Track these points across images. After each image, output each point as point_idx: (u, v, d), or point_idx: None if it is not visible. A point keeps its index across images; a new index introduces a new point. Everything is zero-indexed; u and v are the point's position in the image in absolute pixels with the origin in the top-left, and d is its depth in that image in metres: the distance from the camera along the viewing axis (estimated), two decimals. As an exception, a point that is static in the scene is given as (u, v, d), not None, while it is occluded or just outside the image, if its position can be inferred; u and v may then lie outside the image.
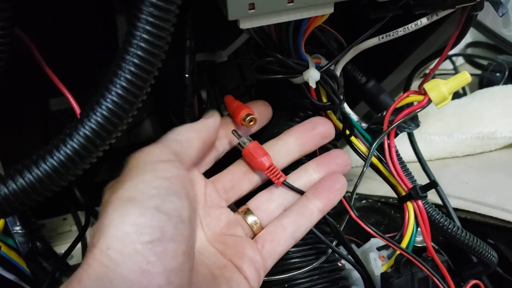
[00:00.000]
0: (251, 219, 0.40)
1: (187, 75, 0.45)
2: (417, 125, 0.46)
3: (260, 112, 0.43)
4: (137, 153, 0.33)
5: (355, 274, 0.47)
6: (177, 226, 0.29)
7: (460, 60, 1.09)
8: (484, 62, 1.01)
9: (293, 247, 0.43)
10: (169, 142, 0.35)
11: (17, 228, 0.41)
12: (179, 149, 0.34)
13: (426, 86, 0.43)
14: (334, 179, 0.42)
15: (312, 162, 0.43)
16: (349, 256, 0.45)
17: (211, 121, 0.39)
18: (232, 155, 0.43)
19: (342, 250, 0.46)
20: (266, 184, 0.43)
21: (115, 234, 0.27)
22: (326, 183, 0.41)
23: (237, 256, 0.37)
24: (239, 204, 0.42)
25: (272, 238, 0.39)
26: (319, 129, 0.43)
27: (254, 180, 0.42)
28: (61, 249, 0.57)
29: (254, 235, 0.40)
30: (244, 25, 0.34)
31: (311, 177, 0.42)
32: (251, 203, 0.41)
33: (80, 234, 0.53)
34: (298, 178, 0.42)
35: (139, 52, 0.25)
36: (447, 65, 1.04)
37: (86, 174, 0.30)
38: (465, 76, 0.42)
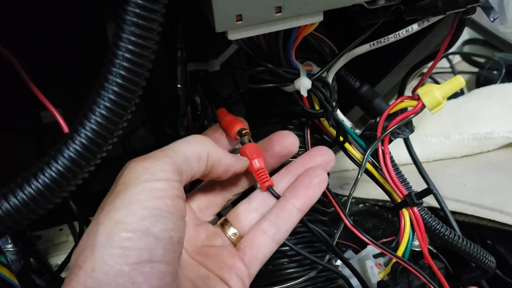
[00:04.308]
0: (230, 231, 0.39)
1: (179, 86, 0.45)
2: (412, 131, 0.45)
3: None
4: (136, 166, 0.30)
5: (354, 282, 0.47)
6: (166, 248, 0.29)
7: (456, 58, 1.08)
8: (481, 60, 1.01)
9: (288, 257, 0.43)
10: (176, 157, 0.32)
11: (9, 246, 0.40)
12: (183, 166, 0.32)
13: (420, 91, 0.42)
14: (311, 174, 0.40)
15: (290, 165, 0.42)
16: (340, 269, 0.44)
17: (231, 157, 0.37)
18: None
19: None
20: (244, 194, 0.42)
21: (100, 256, 0.27)
22: (303, 180, 0.40)
23: (218, 267, 0.36)
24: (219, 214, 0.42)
25: (252, 245, 0.38)
26: (274, 150, 0.41)
27: (227, 196, 0.41)
28: (58, 260, 0.57)
29: (235, 246, 0.39)
30: (232, 36, 0.34)
31: (290, 182, 0.41)
32: (230, 215, 0.41)
33: (75, 246, 0.53)
34: (275, 185, 0.40)
35: (122, 72, 0.25)
36: (443, 63, 1.03)
37: (80, 184, 0.29)
38: (459, 81, 0.42)
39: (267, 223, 0.39)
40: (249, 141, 0.41)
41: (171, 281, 0.29)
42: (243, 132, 0.40)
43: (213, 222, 0.41)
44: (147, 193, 0.29)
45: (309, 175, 0.40)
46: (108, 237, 0.27)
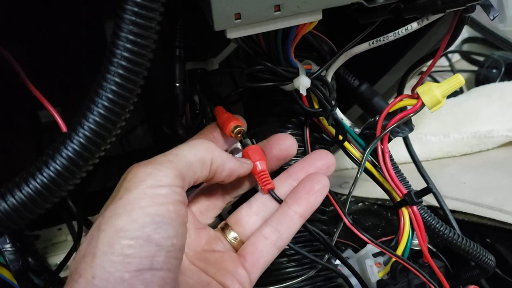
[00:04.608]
0: (230, 235, 0.39)
1: (177, 84, 0.45)
2: (411, 129, 0.45)
3: None
4: (138, 172, 0.30)
5: (353, 281, 0.47)
6: (168, 255, 0.29)
7: (456, 57, 1.08)
8: (481, 59, 1.01)
9: (287, 256, 0.43)
10: (179, 162, 0.32)
11: (7, 246, 0.40)
12: (186, 171, 0.32)
13: (419, 90, 0.42)
14: (313, 180, 0.40)
15: (291, 169, 0.42)
16: (340, 268, 0.44)
17: (235, 161, 0.37)
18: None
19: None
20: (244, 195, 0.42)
21: (101, 264, 0.27)
22: (305, 185, 0.40)
23: (220, 273, 0.36)
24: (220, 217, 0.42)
25: (254, 250, 0.38)
26: (272, 153, 0.41)
27: (228, 198, 0.41)
28: (56, 259, 0.57)
29: (236, 250, 0.39)
30: (231, 34, 0.33)
31: (291, 186, 0.41)
32: (230, 219, 0.40)
33: (74, 246, 0.53)
34: (276, 188, 0.40)
35: (120, 71, 0.25)
36: (443, 61, 1.03)
37: (79, 183, 0.29)
38: (458, 79, 0.42)
39: (269, 229, 0.39)
40: (252, 142, 0.41)
41: (172, 287, 0.29)
42: (237, 129, 0.40)
43: (213, 224, 0.41)
44: (149, 199, 0.29)
45: (310, 180, 0.40)
46: (109, 245, 0.27)
